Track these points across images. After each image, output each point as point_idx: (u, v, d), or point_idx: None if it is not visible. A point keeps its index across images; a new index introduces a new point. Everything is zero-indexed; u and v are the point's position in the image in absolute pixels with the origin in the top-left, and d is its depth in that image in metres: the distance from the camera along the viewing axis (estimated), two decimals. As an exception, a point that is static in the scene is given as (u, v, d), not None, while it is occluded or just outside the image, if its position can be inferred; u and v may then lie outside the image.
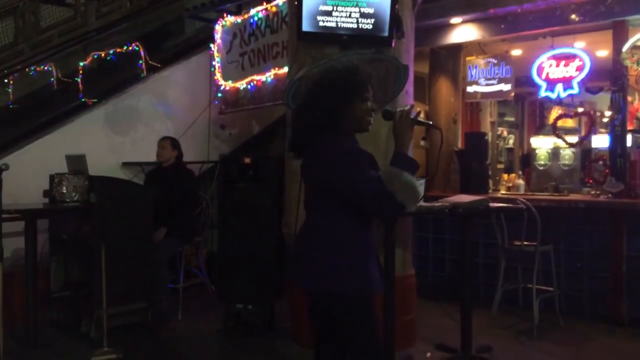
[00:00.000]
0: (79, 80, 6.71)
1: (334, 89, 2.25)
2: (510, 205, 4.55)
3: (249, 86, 6.02)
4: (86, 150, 4.84)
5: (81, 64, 6.82)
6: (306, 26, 3.89)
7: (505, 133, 9.45)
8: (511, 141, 9.65)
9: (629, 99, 7.06)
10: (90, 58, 6.86)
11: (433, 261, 5.84)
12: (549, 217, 4.72)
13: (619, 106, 5.23)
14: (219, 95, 6.44)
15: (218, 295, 4.89)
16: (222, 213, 4.70)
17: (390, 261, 3.72)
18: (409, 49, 4.28)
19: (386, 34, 3.92)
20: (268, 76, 5.76)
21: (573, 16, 5.22)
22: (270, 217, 4.48)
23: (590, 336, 4.53)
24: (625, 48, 5.12)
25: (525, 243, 4.63)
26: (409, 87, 4.23)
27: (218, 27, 6.46)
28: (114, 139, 6.02)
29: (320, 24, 3.90)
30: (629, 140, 5.52)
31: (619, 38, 5.23)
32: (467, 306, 4.00)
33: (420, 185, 4.00)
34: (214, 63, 6.48)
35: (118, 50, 6.60)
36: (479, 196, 3.98)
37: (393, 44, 4.00)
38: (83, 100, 6.47)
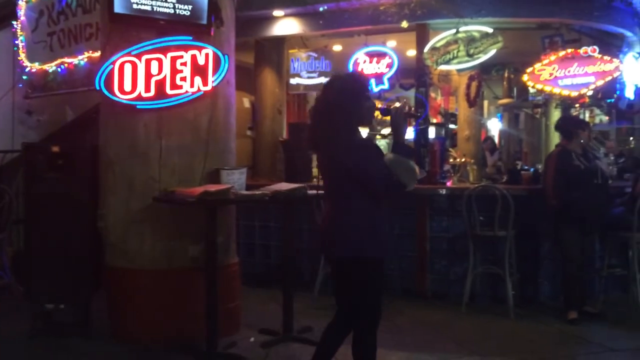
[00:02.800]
0: None
1: (345, 92, 2.69)
2: (327, 192, 4.79)
3: (58, 69, 5.63)
4: None
5: None
6: (118, 8, 3.69)
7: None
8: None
9: (432, 95, 7.87)
10: None
11: (260, 248, 5.93)
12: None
13: (422, 102, 5.80)
14: (24, 77, 5.92)
15: (25, 296, 4.46)
16: (29, 207, 4.31)
17: (213, 250, 3.72)
18: (230, 38, 4.28)
19: (204, 21, 3.88)
20: (81, 59, 5.44)
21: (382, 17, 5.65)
22: (83, 210, 4.20)
23: (401, 310, 4.95)
24: (426, 49, 5.67)
25: (344, 227, 4.90)
26: (231, 76, 4.23)
27: (22, 3, 5.94)
28: None
29: (135, 6, 3.73)
30: (432, 132, 6.15)
31: (422, 40, 5.79)
32: (288, 290, 4.16)
33: (242, 174, 4.09)
34: (17, 42, 5.91)
35: None
36: (298, 184, 4.13)
37: (212, 32, 3.98)
38: None
